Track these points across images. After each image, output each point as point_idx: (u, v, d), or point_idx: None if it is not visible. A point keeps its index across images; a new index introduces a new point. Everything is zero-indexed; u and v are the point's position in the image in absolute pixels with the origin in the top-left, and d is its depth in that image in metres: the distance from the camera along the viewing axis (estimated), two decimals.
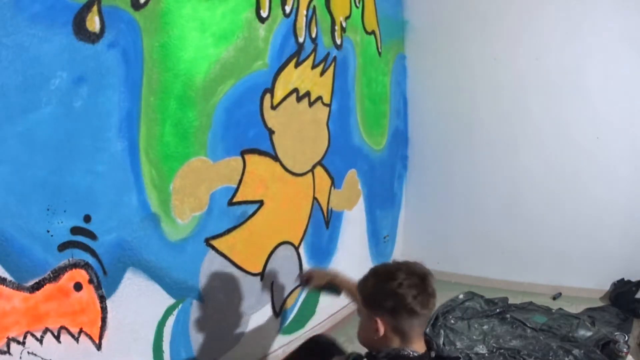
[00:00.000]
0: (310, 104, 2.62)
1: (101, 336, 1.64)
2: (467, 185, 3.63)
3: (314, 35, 2.59)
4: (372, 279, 1.30)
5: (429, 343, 1.29)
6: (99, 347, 1.64)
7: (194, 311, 2.02)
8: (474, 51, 3.47)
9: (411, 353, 1.22)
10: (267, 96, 2.31)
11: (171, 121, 1.84)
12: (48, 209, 1.47)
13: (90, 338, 1.61)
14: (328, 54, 2.73)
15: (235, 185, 2.18)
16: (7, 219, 1.38)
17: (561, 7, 3.15)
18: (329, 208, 2.88)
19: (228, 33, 2.06)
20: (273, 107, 2.35)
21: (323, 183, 2.80)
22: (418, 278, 1.24)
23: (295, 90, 2.49)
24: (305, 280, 1.95)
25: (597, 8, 3.06)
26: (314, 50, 2.60)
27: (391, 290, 1.22)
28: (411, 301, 1.20)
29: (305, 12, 2.50)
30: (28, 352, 1.43)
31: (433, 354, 1.26)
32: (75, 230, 1.55)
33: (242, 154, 2.20)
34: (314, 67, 2.61)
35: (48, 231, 1.47)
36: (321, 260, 2.85)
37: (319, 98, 2.69)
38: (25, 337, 1.43)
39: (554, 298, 3.30)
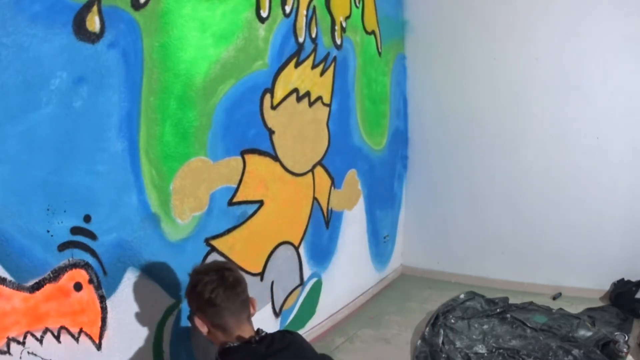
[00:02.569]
0: (310, 104, 2.62)
1: (101, 336, 1.64)
2: (467, 185, 3.63)
3: (314, 35, 2.59)
4: (188, 284, 1.44)
5: (258, 331, 1.40)
6: (99, 347, 1.64)
7: None
8: (473, 51, 3.47)
9: (231, 344, 1.34)
10: (267, 96, 2.31)
11: (171, 121, 1.83)
12: (48, 209, 1.47)
13: (90, 338, 1.61)
14: (328, 54, 2.73)
15: (235, 185, 2.18)
16: (7, 219, 1.37)
17: (561, 7, 3.15)
18: (329, 208, 2.88)
19: (228, 33, 2.06)
20: (273, 107, 2.35)
21: (323, 183, 2.80)
22: (215, 274, 1.38)
23: (295, 90, 2.49)
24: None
25: (597, 8, 3.06)
26: (314, 50, 2.60)
27: (193, 291, 1.38)
28: (209, 296, 1.33)
29: (305, 12, 2.50)
30: (28, 352, 1.43)
31: (257, 338, 1.35)
32: (75, 230, 1.54)
33: (242, 154, 2.20)
34: (314, 67, 2.61)
35: (48, 231, 1.47)
36: (321, 260, 2.85)
37: (319, 98, 2.69)
38: (25, 337, 1.42)
39: (554, 298, 3.30)
